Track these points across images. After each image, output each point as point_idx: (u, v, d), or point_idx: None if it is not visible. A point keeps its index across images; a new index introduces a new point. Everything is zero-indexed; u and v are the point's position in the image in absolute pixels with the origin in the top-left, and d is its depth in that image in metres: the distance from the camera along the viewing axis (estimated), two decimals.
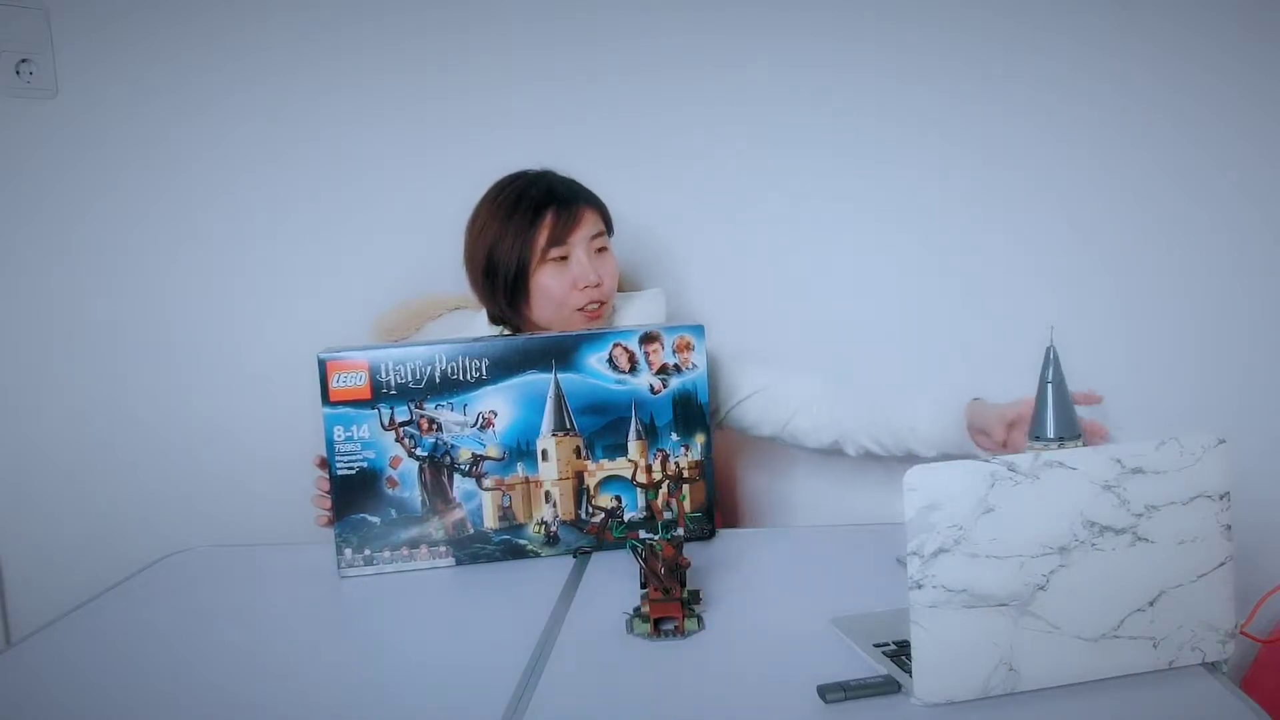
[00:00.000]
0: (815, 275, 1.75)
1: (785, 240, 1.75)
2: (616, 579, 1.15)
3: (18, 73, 1.67)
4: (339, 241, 1.78)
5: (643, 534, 1.23)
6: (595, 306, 1.40)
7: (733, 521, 1.78)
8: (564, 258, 1.39)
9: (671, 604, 1.00)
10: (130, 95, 1.73)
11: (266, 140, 1.75)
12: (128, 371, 1.76)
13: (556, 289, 1.39)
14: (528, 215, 1.38)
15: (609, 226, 1.47)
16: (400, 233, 1.76)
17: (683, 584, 1.02)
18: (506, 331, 1.44)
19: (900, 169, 1.70)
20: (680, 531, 1.24)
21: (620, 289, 1.56)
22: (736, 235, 1.76)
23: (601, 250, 1.42)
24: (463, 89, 1.75)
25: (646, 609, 1.01)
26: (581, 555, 1.25)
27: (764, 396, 1.49)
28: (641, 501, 1.25)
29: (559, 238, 1.38)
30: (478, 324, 1.46)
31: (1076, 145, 1.66)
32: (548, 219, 1.38)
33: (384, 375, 1.20)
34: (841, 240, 1.75)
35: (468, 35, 1.74)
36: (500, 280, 1.40)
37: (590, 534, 1.25)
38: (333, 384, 1.19)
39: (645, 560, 1.02)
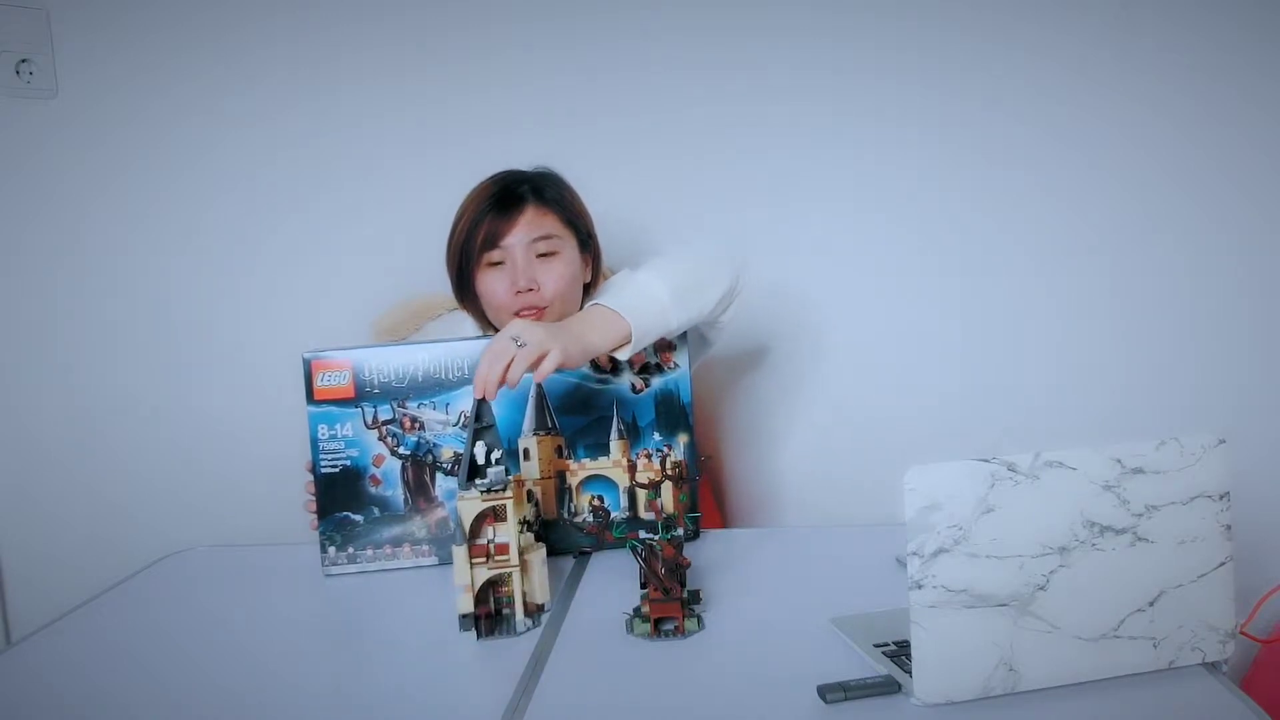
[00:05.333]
0: (814, 275, 1.75)
1: (784, 240, 1.75)
2: (616, 579, 1.15)
3: (18, 73, 1.67)
4: (339, 241, 1.78)
5: (643, 534, 1.22)
6: (532, 314, 1.33)
7: (729, 521, 1.78)
8: (503, 261, 1.35)
9: (671, 604, 1.00)
10: (130, 95, 1.73)
11: (266, 141, 1.75)
12: (128, 371, 1.76)
13: (492, 294, 1.36)
14: (472, 216, 1.36)
15: (580, 232, 1.40)
16: (400, 233, 1.76)
17: (683, 584, 1.02)
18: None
19: (900, 169, 1.71)
20: (680, 531, 1.24)
21: None
22: (736, 235, 1.76)
23: (548, 255, 1.35)
24: (463, 89, 1.75)
25: (646, 609, 1.01)
26: (581, 555, 1.25)
27: None
28: (624, 501, 1.25)
29: (491, 241, 1.34)
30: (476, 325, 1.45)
31: (1076, 145, 1.66)
32: (485, 221, 1.35)
33: (367, 374, 1.21)
34: (841, 240, 1.75)
35: (468, 36, 1.74)
36: (453, 280, 1.39)
37: (590, 534, 1.25)
38: (317, 383, 1.21)
39: (645, 560, 1.02)
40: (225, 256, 1.77)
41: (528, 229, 1.35)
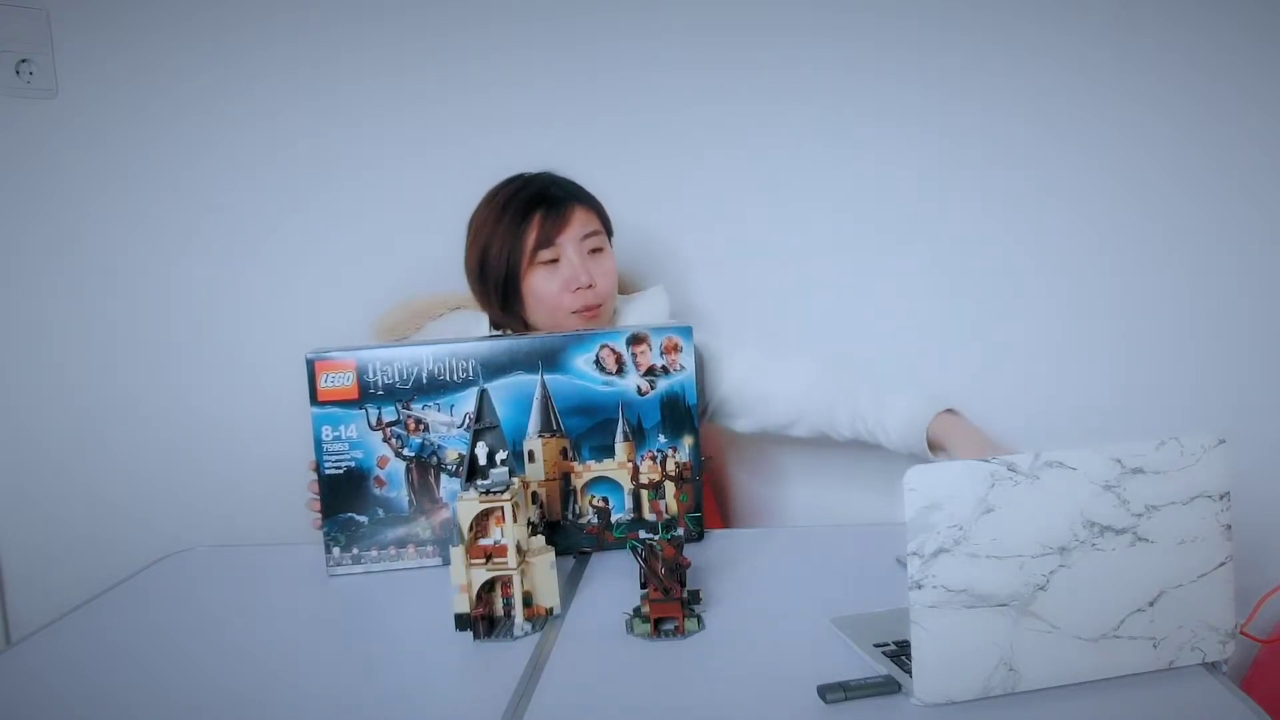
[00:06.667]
0: (816, 276, 1.75)
1: (786, 241, 1.75)
2: (616, 579, 1.15)
3: (18, 73, 1.67)
4: (340, 240, 1.78)
5: (643, 534, 1.23)
6: (592, 311, 1.39)
7: (730, 523, 1.78)
8: (555, 260, 1.38)
9: (671, 604, 1.00)
10: (130, 95, 1.73)
11: (266, 140, 1.75)
12: (129, 371, 1.77)
13: (547, 292, 1.38)
14: (516, 218, 1.38)
15: (607, 227, 1.45)
16: (400, 232, 1.76)
17: (683, 584, 1.02)
18: (507, 334, 1.44)
19: (900, 169, 1.70)
20: (680, 532, 1.24)
21: (623, 291, 1.55)
22: (737, 236, 1.76)
23: (596, 251, 1.41)
24: (463, 89, 1.75)
25: (646, 609, 1.01)
26: (581, 555, 1.25)
27: (744, 390, 1.44)
28: (629, 503, 1.25)
29: (547, 239, 1.37)
30: (481, 325, 1.45)
31: (1076, 145, 1.66)
32: (535, 221, 1.37)
33: (371, 375, 1.20)
34: (842, 240, 1.74)
35: (468, 35, 1.74)
36: (492, 284, 1.40)
37: (590, 534, 1.25)
38: (321, 384, 1.20)
39: (645, 560, 1.02)
40: (225, 256, 1.77)
41: (581, 226, 1.39)
